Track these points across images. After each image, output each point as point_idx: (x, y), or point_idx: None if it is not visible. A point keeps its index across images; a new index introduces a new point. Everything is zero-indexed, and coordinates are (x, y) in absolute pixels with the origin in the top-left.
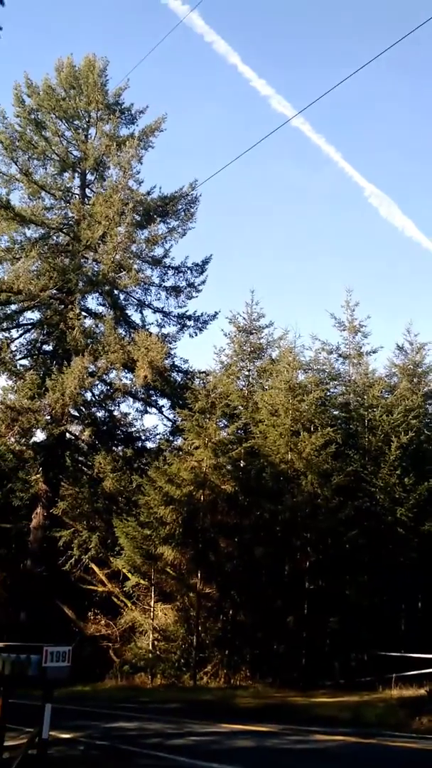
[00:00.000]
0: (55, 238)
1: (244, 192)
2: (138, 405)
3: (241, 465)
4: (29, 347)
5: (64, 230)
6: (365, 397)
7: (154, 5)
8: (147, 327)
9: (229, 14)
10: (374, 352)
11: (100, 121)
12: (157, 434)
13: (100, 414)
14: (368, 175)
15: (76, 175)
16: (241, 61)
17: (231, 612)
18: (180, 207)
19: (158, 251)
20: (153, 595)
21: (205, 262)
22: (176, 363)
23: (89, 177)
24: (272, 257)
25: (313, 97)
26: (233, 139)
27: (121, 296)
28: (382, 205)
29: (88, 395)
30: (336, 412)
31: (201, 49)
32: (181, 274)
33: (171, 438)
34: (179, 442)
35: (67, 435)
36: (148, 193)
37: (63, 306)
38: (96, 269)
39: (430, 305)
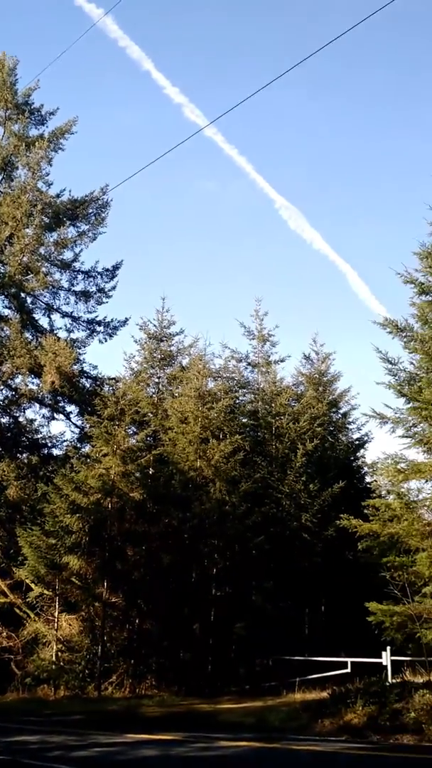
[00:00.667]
0: None
1: (157, 200)
2: (45, 411)
3: (150, 472)
4: None
5: None
6: (273, 405)
7: (68, 6)
8: (55, 332)
9: (143, 20)
10: (282, 361)
11: (8, 120)
12: (65, 441)
13: (4, 420)
14: (279, 187)
15: None
16: (155, 67)
17: (137, 621)
18: (91, 211)
19: (68, 255)
20: (57, 606)
21: (116, 267)
22: (85, 369)
23: None
24: (184, 265)
25: (227, 107)
26: (146, 145)
27: (29, 300)
28: (291, 218)
29: None
30: (245, 420)
31: (115, 53)
32: (91, 279)
33: (79, 445)
34: (87, 449)
35: None
36: (58, 196)
37: None
38: (2, 271)
39: (336, 316)
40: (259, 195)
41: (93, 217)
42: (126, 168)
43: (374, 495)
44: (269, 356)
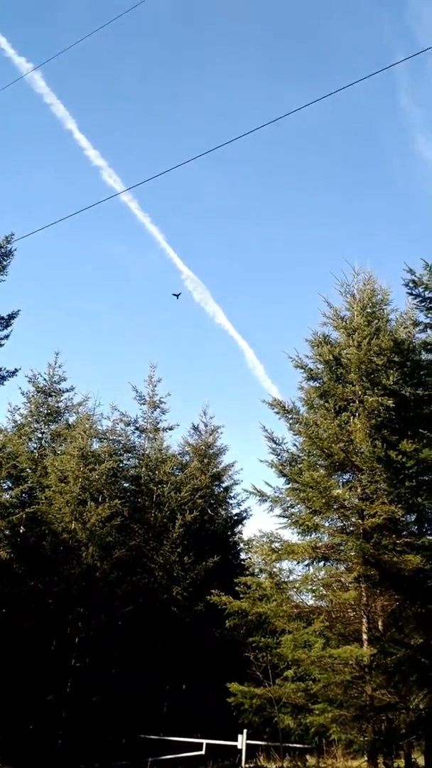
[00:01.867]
0: None
1: (66, 256)
2: None
3: (21, 531)
4: None
5: None
6: (157, 472)
7: None
8: None
9: (70, 79)
10: (171, 429)
11: None
12: None
13: None
14: (186, 259)
15: None
16: (78, 128)
17: None
18: None
19: None
20: None
21: (12, 316)
22: None
23: None
24: (84, 323)
25: (145, 176)
26: (60, 203)
27: None
28: (196, 290)
29: None
30: (126, 485)
31: (39, 109)
32: None
33: None
34: None
35: None
36: None
37: None
38: None
39: (231, 391)
40: (167, 265)
41: None
42: (37, 222)
43: (247, 572)
44: (158, 423)
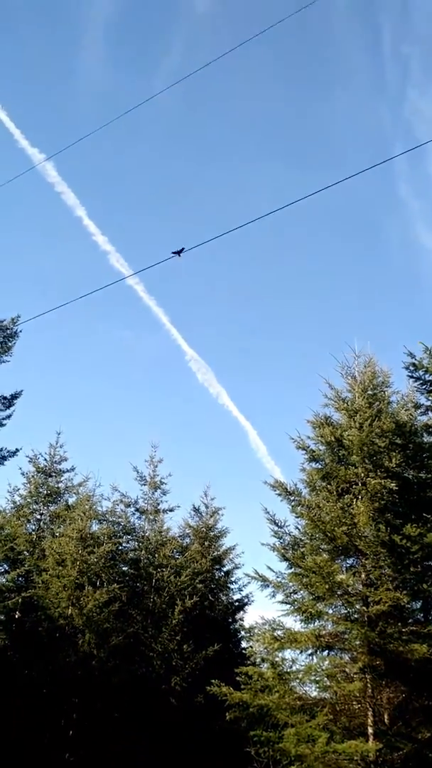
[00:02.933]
0: None
1: (72, 339)
2: None
3: (16, 616)
4: None
5: None
6: (156, 555)
7: (10, 146)
8: None
9: (81, 170)
10: (171, 510)
11: None
12: None
13: None
14: (191, 340)
15: None
16: (87, 215)
17: None
18: None
19: None
20: None
21: (15, 396)
22: None
23: None
24: (87, 403)
25: (151, 261)
26: (68, 286)
27: None
28: (200, 371)
29: None
30: (125, 568)
31: (49, 195)
32: None
33: None
34: None
35: None
36: None
37: None
38: None
39: (233, 472)
40: (171, 346)
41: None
42: (45, 304)
43: (249, 662)
44: (159, 504)
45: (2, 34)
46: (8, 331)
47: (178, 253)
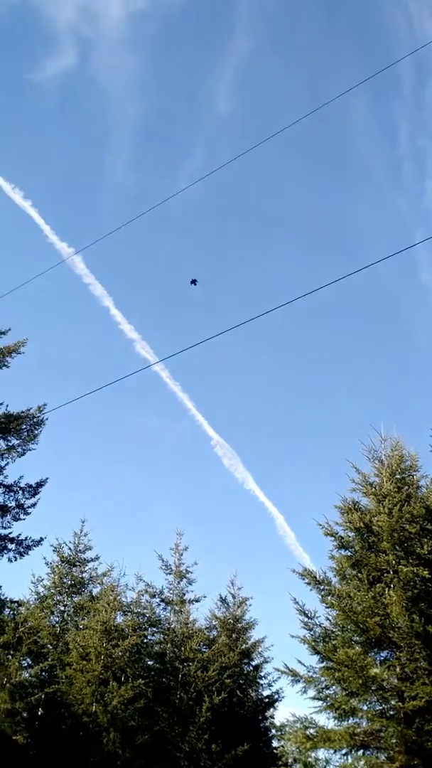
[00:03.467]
0: None
1: (99, 426)
2: None
3: (39, 713)
4: None
5: None
6: (182, 648)
7: (40, 242)
8: None
9: (108, 262)
10: (197, 600)
11: None
12: None
13: None
14: (216, 425)
15: None
16: (113, 304)
17: None
18: (24, 427)
19: None
20: None
21: (40, 484)
22: None
23: None
24: (111, 489)
25: (176, 348)
26: (95, 375)
27: None
28: (225, 456)
29: None
30: (150, 662)
31: (78, 287)
32: (12, 494)
33: None
34: None
35: None
36: None
37: None
38: None
39: (260, 559)
40: (197, 431)
41: (25, 433)
42: (72, 392)
43: (280, 763)
44: (184, 594)
45: (34, 137)
46: (35, 419)
47: (194, 282)
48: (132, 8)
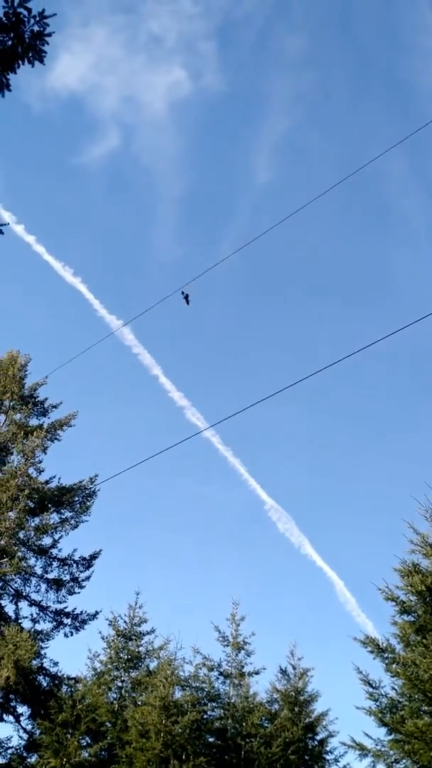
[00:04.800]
0: None
1: (151, 494)
2: None
3: None
4: None
5: None
6: (244, 723)
7: (90, 314)
8: (20, 621)
9: (156, 334)
10: (257, 673)
11: (11, 410)
12: (10, 748)
13: None
14: (269, 489)
15: None
16: (162, 373)
17: None
18: (77, 499)
19: (46, 540)
20: None
21: (93, 557)
22: (45, 665)
23: None
24: (165, 559)
25: (226, 414)
26: (147, 444)
27: None
28: (280, 520)
29: None
30: (211, 739)
31: (127, 357)
32: (66, 567)
33: (25, 754)
34: (34, 759)
35: None
36: (47, 482)
37: None
38: None
39: (320, 628)
40: (250, 496)
41: (78, 505)
42: (125, 462)
43: None
44: (243, 666)
45: (83, 216)
46: (87, 491)
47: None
48: (174, 97)
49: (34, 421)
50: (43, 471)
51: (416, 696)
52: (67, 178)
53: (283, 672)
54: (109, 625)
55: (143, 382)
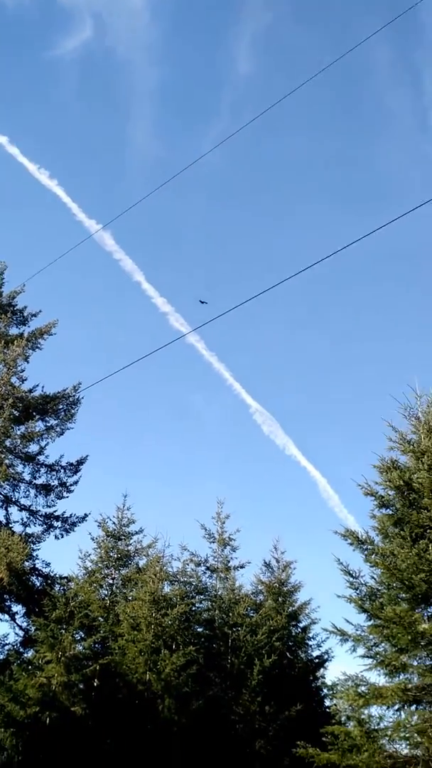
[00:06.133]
0: None
1: (138, 403)
2: None
3: (95, 684)
4: None
5: None
6: (230, 614)
7: (69, 220)
8: (11, 525)
9: (137, 238)
10: (242, 567)
11: None
12: (6, 645)
13: None
14: (255, 393)
15: None
16: (145, 279)
17: None
18: (61, 407)
19: (33, 448)
20: None
21: (80, 462)
22: (37, 566)
23: None
24: (152, 462)
25: (209, 317)
26: (131, 349)
27: None
28: (265, 423)
29: None
30: (200, 629)
31: (108, 264)
32: (53, 473)
33: (21, 650)
34: (30, 654)
35: None
36: (31, 391)
37: None
38: None
39: (304, 523)
40: (235, 400)
41: (63, 413)
42: (108, 371)
43: (334, 721)
44: (229, 561)
45: (55, 115)
46: (71, 399)
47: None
48: None
49: (14, 330)
50: (26, 380)
51: (394, 584)
52: (40, 74)
53: (267, 565)
54: (99, 526)
55: (125, 289)
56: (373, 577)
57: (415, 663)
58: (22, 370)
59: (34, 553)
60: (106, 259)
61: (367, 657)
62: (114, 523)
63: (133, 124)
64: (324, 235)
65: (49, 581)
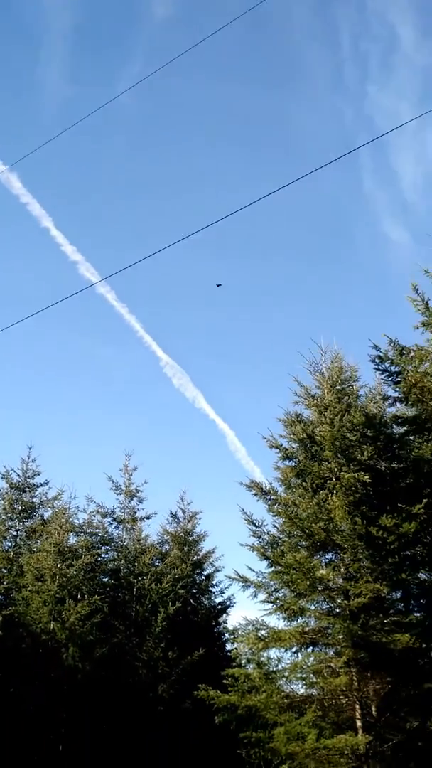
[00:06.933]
0: None
1: (43, 349)
2: None
3: None
4: None
5: None
6: (136, 563)
7: None
8: None
9: (48, 181)
10: (148, 518)
11: None
12: None
13: None
14: (165, 346)
15: None
16: (54, 225)
17: None
18: None
19: None
20: None
21: None
22: None
23: None
24: (58, 415)
25: (120, 267)
26: (39, 297)
27: None
28: (175, 376)
29: None
30: (105, 579)
31: (15, 208)
32: None
33: None
34: None
35: None
36: None
37: None
38: None
39: (212, 476)
40: (145, 352)
41: None
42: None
43: (235, 664)
44: (136, 512)
45: None
46: None
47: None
48: None
49: None
50: None
51: (295, 532)
52: None
53: (174, 516)
54: (2, 478)
55: (32, 235)
56: (275, 526)
57: (313, 607)
58: None
59: None
60: (13, 203)
61: (268, 602)
62: (18, 475)
63: (46, 64)
64: (234, 188)
65: None
